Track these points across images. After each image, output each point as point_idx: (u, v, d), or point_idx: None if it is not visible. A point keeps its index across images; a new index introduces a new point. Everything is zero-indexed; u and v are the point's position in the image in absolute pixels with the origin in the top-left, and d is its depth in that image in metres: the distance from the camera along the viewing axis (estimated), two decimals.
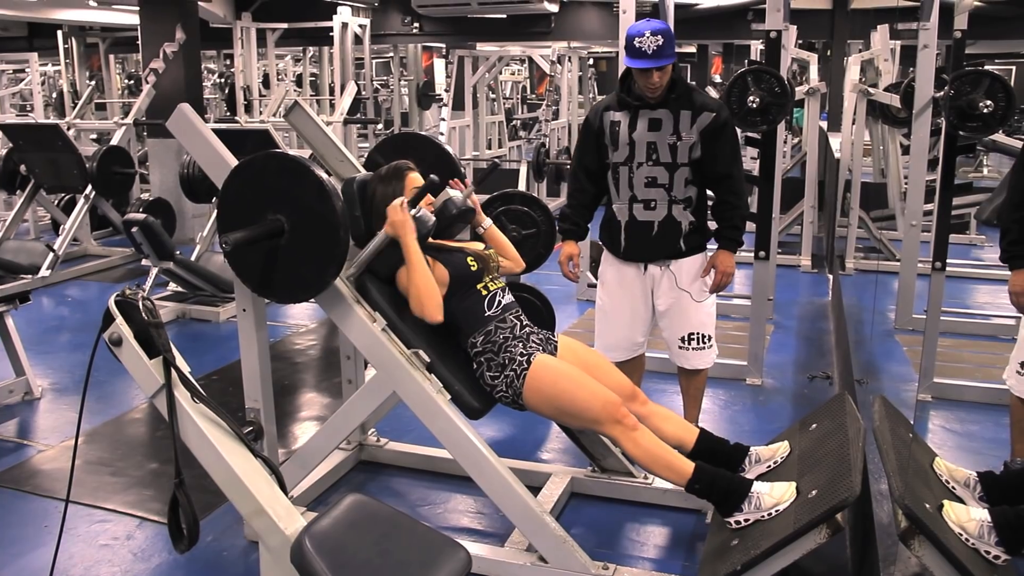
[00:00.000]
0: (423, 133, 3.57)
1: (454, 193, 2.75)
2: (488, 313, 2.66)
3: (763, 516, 2.36)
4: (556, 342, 2.75)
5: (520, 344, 2.63)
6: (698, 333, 3.17)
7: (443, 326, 2.70)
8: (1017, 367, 2.91)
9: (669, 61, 2.89)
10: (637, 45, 2.87)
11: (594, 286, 3.36)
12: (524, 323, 2.72)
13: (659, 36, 2.85)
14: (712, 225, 3.20)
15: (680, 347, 3.19)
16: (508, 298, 2.74)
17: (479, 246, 2.79)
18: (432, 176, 2.64)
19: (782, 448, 2.66)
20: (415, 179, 2.75)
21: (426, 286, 2.54)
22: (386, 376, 2.56)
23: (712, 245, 3.19)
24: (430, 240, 2.68)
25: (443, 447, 2.59)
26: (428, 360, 2.55)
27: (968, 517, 2.21)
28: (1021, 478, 2.57)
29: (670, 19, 4.74)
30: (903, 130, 6.97)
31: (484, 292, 2.68)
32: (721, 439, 2.70)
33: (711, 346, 3.21)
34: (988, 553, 2.16)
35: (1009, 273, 2.92)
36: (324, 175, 2.40)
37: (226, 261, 2.53)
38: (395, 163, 2.81)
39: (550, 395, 2.56)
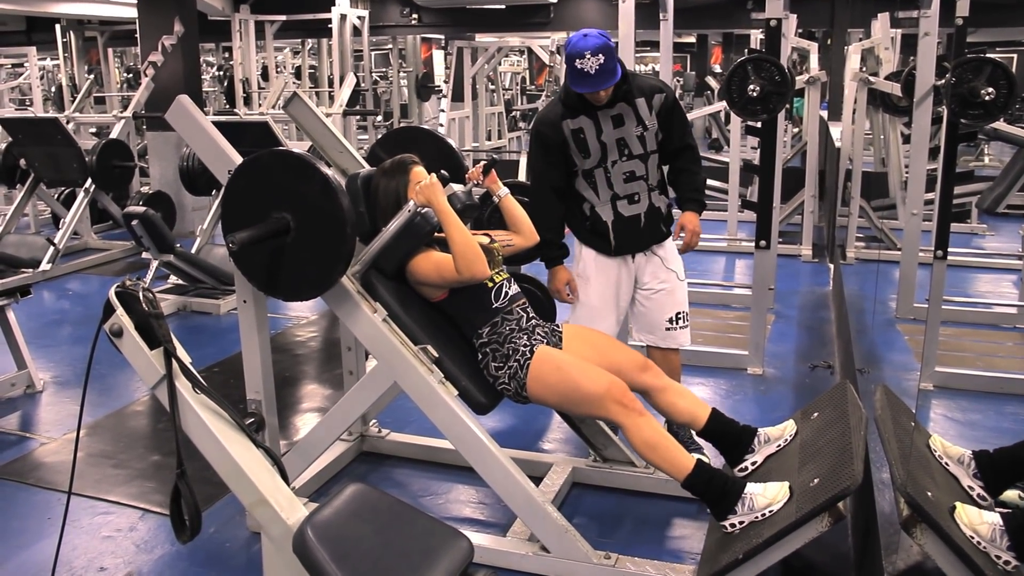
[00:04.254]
0: (425, 127, 3.55)
1: (457, 187, 2.75)
2: (495, 305, 2.66)
3: (756, 518, 2.34)
4: (561, 333, 2.76)
5: (525, 336, 2.64)
6: (683, 312, 3.19)
7: (449, 320, 2.71)
8: None
9: (614, 80, 2.82)
10: (579, 67, 2.77)
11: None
12: (530, 316, 2.73)
13: (600, 55, 2.75)
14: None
15: (668, 328, 3.18)
16: (514, 289, 2.74)
17: (484, 239, 2.79)
18: (441, 172, 2.65)
19: (789, 427, 2.65)
20: (419, 173, 2.74)
21: (470, 244, 2.55)
22: (387, 367, 2.56)
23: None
24: (436, 235, 2.67)
25: (445, 437, 2.59)
26: (436, 355, 2.54)
27: (980, 520, 2.19)
28: (1014, 458, 2.56)
29: (669, 9, 4.73)
30: (904, 119, 6.94)
31: (490, 284, 2.68)
32: (731, 420, 2.68)
33: (689, 324, 3.24)
34: (999, 558, 2.14)
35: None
36: (330, 172, 2.38)
37: (230, 258, 2.51)
38: (399, 156, 2.80)
39: (553, 383, 2.56)
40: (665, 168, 3.21)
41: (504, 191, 2.93)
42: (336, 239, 2.38)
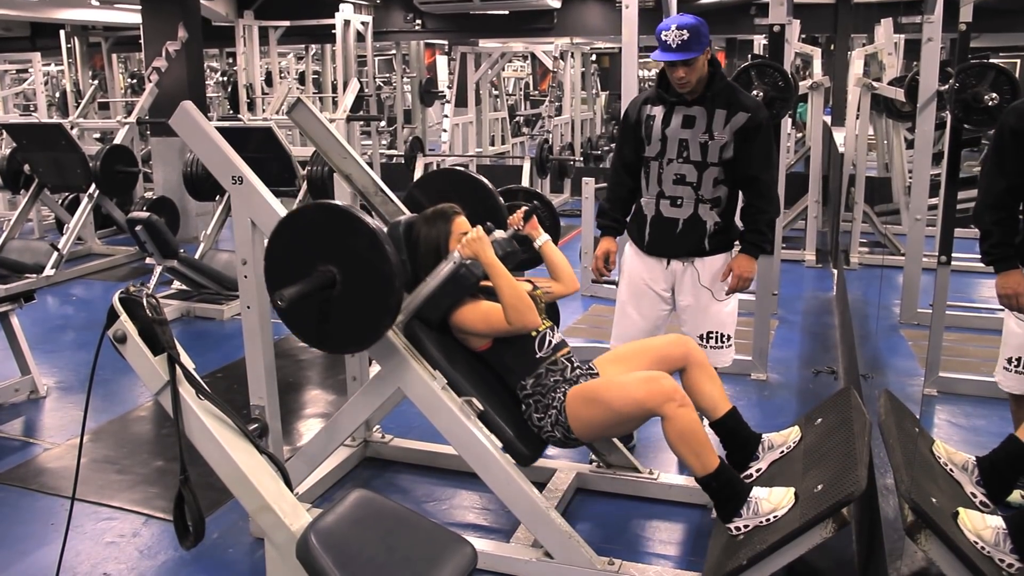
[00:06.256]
0: (460, 168, 3.44)
1: (499, 234, 2.75)
2: (539, 355, 2.63)
3: (761, 522, 2.34)
4: (596, 373, 2.72)
5: (568, 386, 2.60)
6: (717, 332, 3.17)
7: (492, 371, 2.69)
8: (1004, 363, 2.94)
9: (692, 55, 2.88)
10: (663, 39, 2.89)
11: (598, 282, 3.36)
12: (575, 365, 2.69)
13: (684, 31, 2.86)
14: (740, 226, 3.19)
15: (699, 344, 3.16)
16: (557, 337, 2.71)
17: (527, 286, 2.73)
18: (487, 224, 2.68)
19: (793, 433, 2.65)
20: (462, 223, 2.72)
21: (520, 295, 2.54)
22: (392, 373, 2.56)
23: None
24: (480, 284, 2.65)
25: (448, 443, 2.59)
26: (481, 408, 2.52)
27: (984, 525, 2.18)
28: (1011, 455, 2.55)
29: (672, 14, 4.74)
30: (907, 124, 6.95)
31: (534, 333, 2.65)
32: (744, 423, 2.69)
33: (730, 346, 3.21)
34: (1003, 562, 2.13)
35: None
36: (376, 224, 2.33)
37: (280, 317, 2.43)
38: (441, 206, 2.78)
39: (591, 416, 2.52)
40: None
41: (544, 237, 2.92)
42: (383, 292, 2.33)
